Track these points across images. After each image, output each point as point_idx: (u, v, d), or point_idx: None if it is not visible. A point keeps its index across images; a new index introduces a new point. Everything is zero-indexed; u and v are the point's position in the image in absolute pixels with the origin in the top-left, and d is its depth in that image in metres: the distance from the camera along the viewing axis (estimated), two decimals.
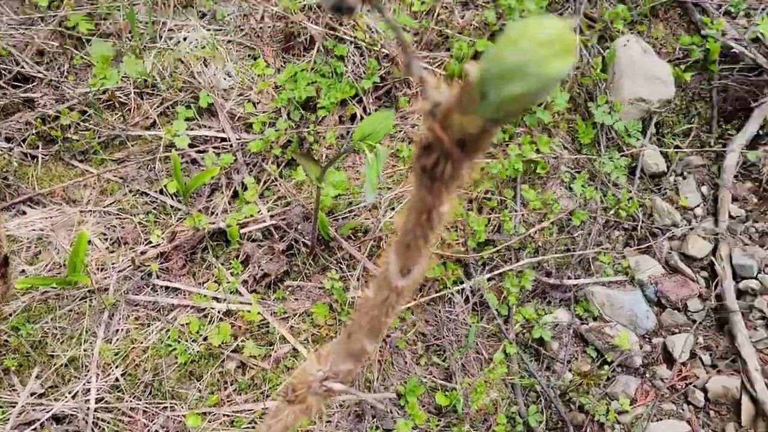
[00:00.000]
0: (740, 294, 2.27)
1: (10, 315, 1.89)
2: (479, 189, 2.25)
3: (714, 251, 2.36)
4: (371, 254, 2.13)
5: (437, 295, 2.12)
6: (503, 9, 2.46)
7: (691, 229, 2.43)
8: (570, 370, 2.17)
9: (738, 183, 2.53)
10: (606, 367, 2.17)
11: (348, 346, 0.66)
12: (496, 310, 2.16)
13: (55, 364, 1.87)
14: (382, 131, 1.51)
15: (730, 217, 2.44)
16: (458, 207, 2.13)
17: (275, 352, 1.98)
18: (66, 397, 1.83)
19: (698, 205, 2.51)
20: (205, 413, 1.86)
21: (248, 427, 1.86)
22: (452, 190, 0.45)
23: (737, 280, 2.29)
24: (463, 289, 2.14)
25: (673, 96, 2.61)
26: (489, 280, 2.17)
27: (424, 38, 2.45)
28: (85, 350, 1.89)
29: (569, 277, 2.29)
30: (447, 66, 2.41)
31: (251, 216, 2.10)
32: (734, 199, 2.49)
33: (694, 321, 2.26)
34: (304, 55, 2.42)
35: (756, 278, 2.27)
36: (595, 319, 2.26)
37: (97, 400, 1.84)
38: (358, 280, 2.08)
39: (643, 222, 2.46)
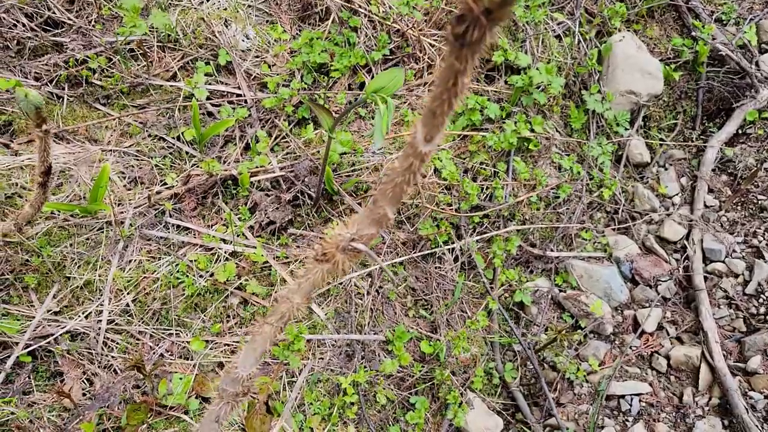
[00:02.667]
0: (708, 275, 2.45)
1: (31, 238, 2.02)
2: (475, 160, 2.41)
3: (687, 236, 2.54)
4: None
5: (429, 252, 2.28)
6: None
7: (669, 215, 2.61)
8: (546, 333, 2.34)
9: (715, 176, 2.71)
10: (579, 331, 2.34)
11: (372, 212, 0.81)
12: (482, 270, 2.32)
13: (71, 286, 2.00)
14: (393, 86, 1.66)
15: (705, 206, 2.62)
16: (455, 173, 2.29)
17: (275, 292, 2.13)
18: (80, 316, 1.97)
19: (676, 194, 2.69)
20: (207, 341, 2.01)
21: None
22: (476, 57, 0.60)
23: (706, 262, 2.47)
24: (453, 249, 2.30)
25: (661, 92, 2.78)
26: (478, 242, 2.33)
27: (434, 17, 2.60)
28: (99, 276, 2.03)
29: (552, 250, 2.46)
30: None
31: (262, 166, 2.25)
32: (710, 191, 2.67)
33: (665, 297, 2.44)
34: (319, 25, 2.57)
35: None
36: (573, 288, 2.42)
37: (109, 322, 1.98)
38: None
39: (624, 206, 2.64)
